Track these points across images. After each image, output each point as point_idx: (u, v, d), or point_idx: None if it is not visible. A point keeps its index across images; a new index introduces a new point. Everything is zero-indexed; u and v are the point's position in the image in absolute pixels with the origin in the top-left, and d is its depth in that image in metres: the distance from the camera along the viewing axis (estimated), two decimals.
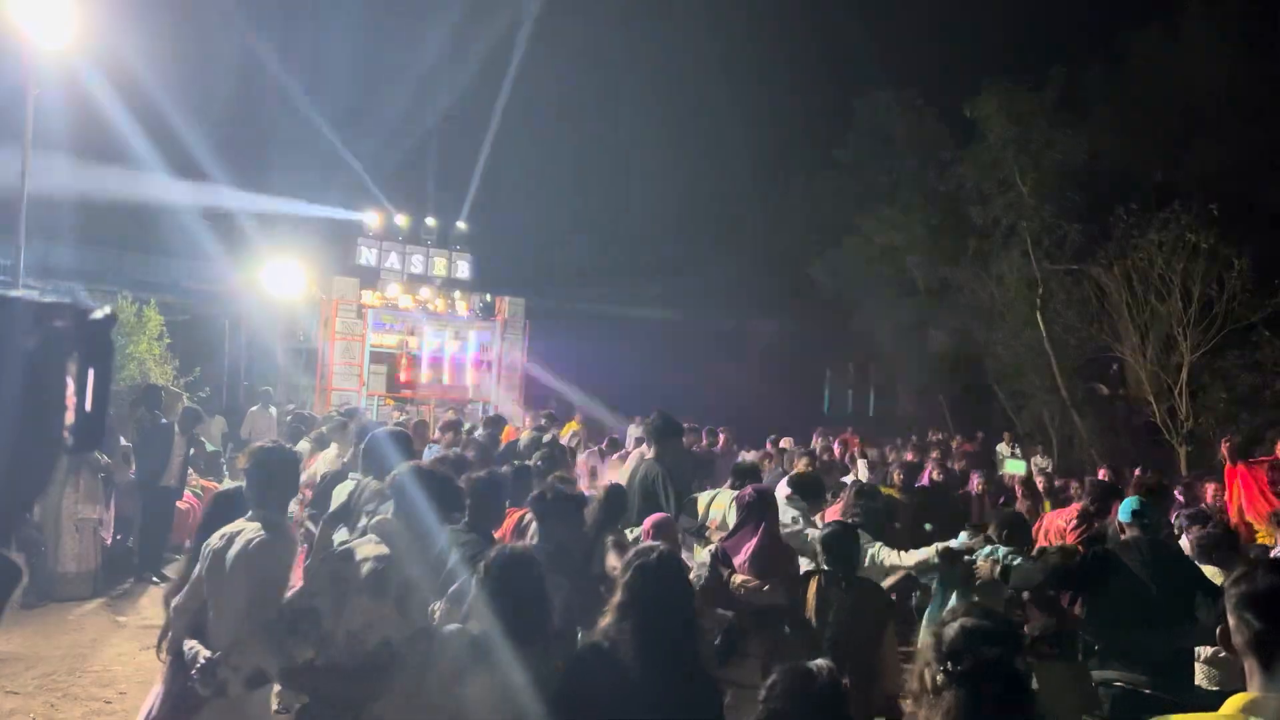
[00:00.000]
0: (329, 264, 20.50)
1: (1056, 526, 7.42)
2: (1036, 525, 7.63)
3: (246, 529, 3.85)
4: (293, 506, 8.59)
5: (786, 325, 27.74)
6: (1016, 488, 11.40)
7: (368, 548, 3.62)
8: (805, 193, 28.05)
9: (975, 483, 11.45)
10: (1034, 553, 5.81)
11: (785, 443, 13.14)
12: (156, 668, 7.18)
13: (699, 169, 28.49)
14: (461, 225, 22.31)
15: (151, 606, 9.10)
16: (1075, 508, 7.54)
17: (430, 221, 21.86)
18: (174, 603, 4.25)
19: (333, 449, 8.41)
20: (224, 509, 4.33)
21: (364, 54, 22.52)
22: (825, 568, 4.84)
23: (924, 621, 6.00)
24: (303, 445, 9.33)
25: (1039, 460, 16.12)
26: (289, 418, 12.05)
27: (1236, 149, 19.32)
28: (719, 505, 6.27)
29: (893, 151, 25.88)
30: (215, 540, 3.90)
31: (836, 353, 28.41)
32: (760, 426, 15.13)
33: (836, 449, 13.39)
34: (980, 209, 21.41)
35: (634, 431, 17.07)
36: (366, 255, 20.82)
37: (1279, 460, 8.96)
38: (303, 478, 8.85)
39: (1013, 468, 14.07)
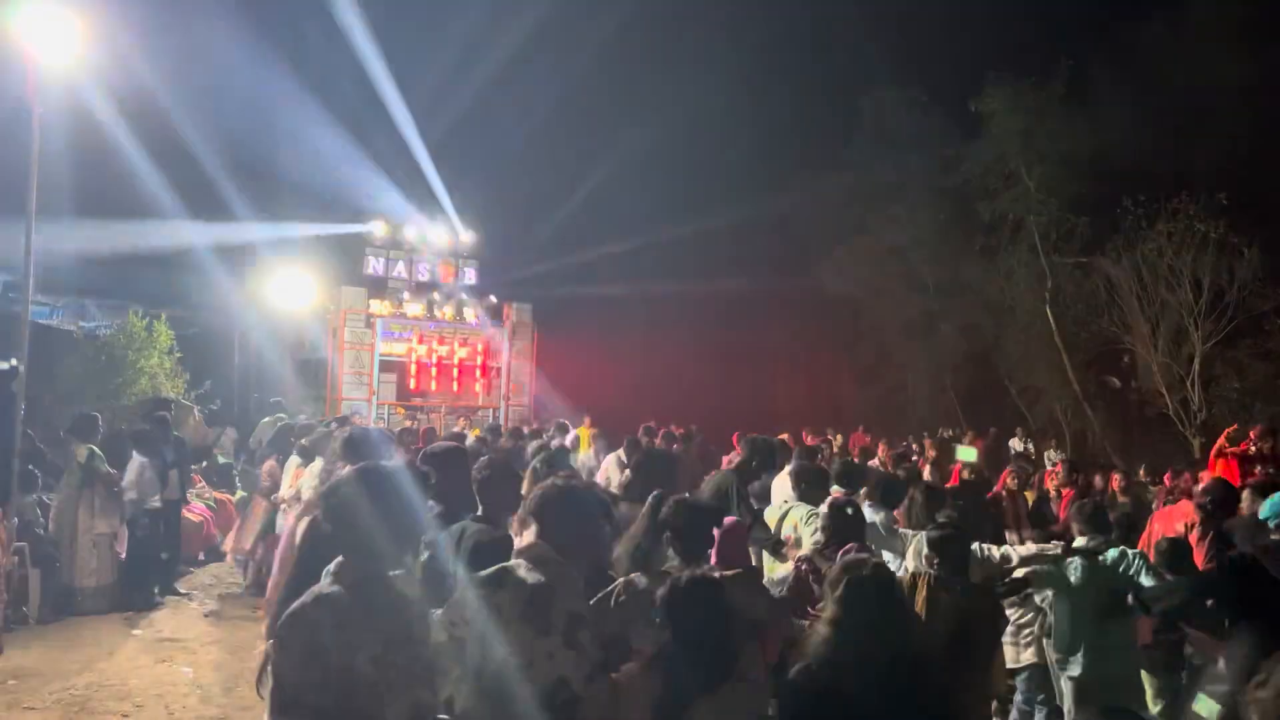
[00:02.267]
0: (337, 274, 20.53)
1: (1175, 530, 6.69)
2: (1145, 532, 7.13)
3: None
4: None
5: (794, 325, 27.68)
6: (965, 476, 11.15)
7: (520, 573, 3.19)
8: (813, 192, 27.99)
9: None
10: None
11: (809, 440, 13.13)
12: (171, 681, 7.23)
13: (706, 171, 28.48)
14: (469, 234, 22.33)
15: (167, 620, 9.12)
16: (1187, 506, 7.01)
17: (438, 230, 21.90)
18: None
19: (318, 463, 8.03)
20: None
21: (370, 62, 22.51)
22: (935, 571, 4.69)
23: (1051, 642, 5.56)
24: (293, 459, 9.25)
25: (1052, 454, 16.06)
26: (278, 428, 11.81)
27: (1244, 138, 19.23)
28: (791, 520, 6.14)
29: (899, 149, 25.82)
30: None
31: (847, 351, 28.30)
32: (769, 427, 15.08)
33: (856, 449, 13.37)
34: (988, 204, 21.35)
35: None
36: (374, 264, 20.86)
37: (1248, 453, 8.97)
38: (289, 492, 8.85)
39: (963, 455, 13.77)
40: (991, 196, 21.29)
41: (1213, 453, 9.47)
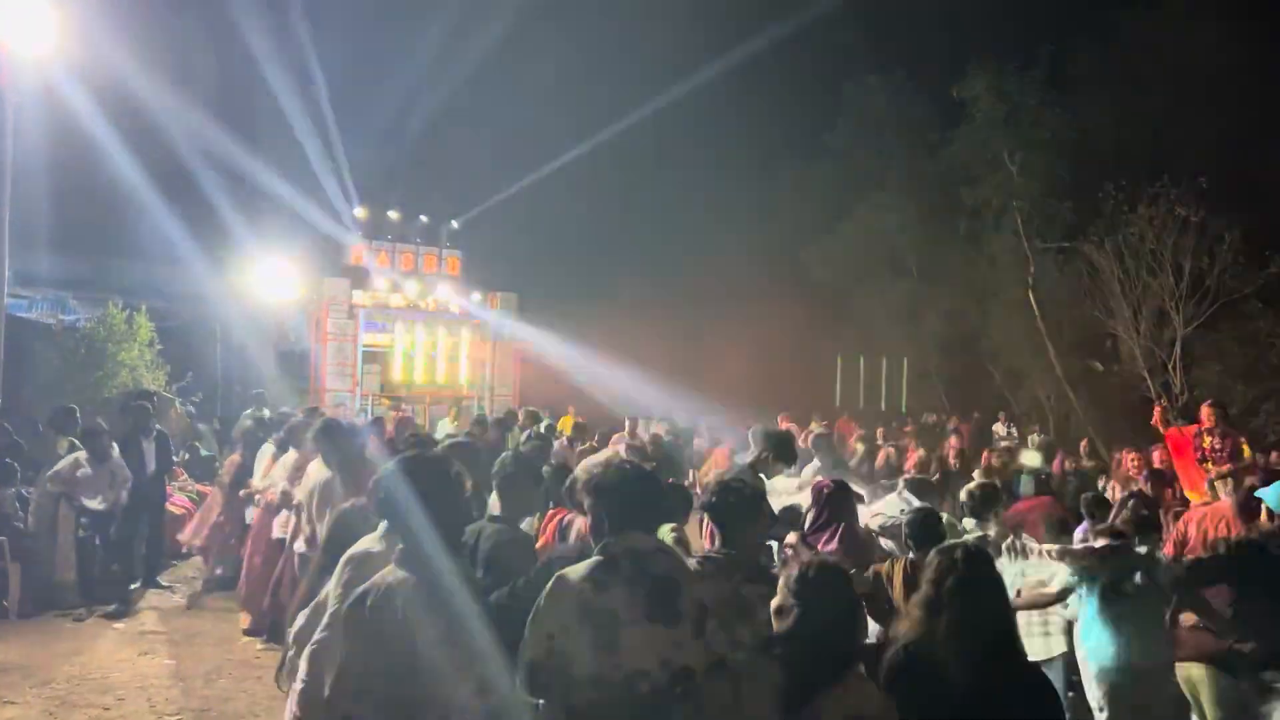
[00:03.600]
0: (319, 265, 20.45)
1: (1217, 532, 6.38)
2: (1180, 525, 6.94)
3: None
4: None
5: (779, 313, 27.70)
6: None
7: (623, 568, 3.06)
8: (796, 179, 27.99)
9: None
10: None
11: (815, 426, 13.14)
12: (154, 674, 7.19)
13: (688, 158, 28.39)
14: (453, 224, 22.28)
15: (149, 613, 9.07)
16: (1224, 507, 6.69)
17: (421, 219, 21.84)
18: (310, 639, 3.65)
19: (292, 454, 8.11)
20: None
21: (352, 51, 22.38)
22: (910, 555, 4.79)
23: (1079, 633, 5.48)
24: (266, 448, 9.16)
25: (1035, 438, 16.14)
26: (248, 423, 11.37)
27: (1224, 123, 19.30)
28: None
29: (882, 135, 25.83)
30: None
31: (830, 338, 28.35)
32: (757, 414, 15.08)
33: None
34: (970, 190, 21.39)
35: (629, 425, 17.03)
36: (356, 255, 20.80)
37: (1202, 428, 9.11)
38: (261, 482, 8.77)
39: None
40: (974, 182, 21.31)
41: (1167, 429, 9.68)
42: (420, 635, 2.75)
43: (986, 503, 5.90)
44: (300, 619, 3.81)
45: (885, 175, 25.16)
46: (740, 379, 22.41)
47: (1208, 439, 8.90)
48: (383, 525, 3.47)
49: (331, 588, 3.51)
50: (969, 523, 5.76)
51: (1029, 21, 23.15)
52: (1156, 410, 10.87)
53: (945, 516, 5.86)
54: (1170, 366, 17.83)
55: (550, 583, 3.05)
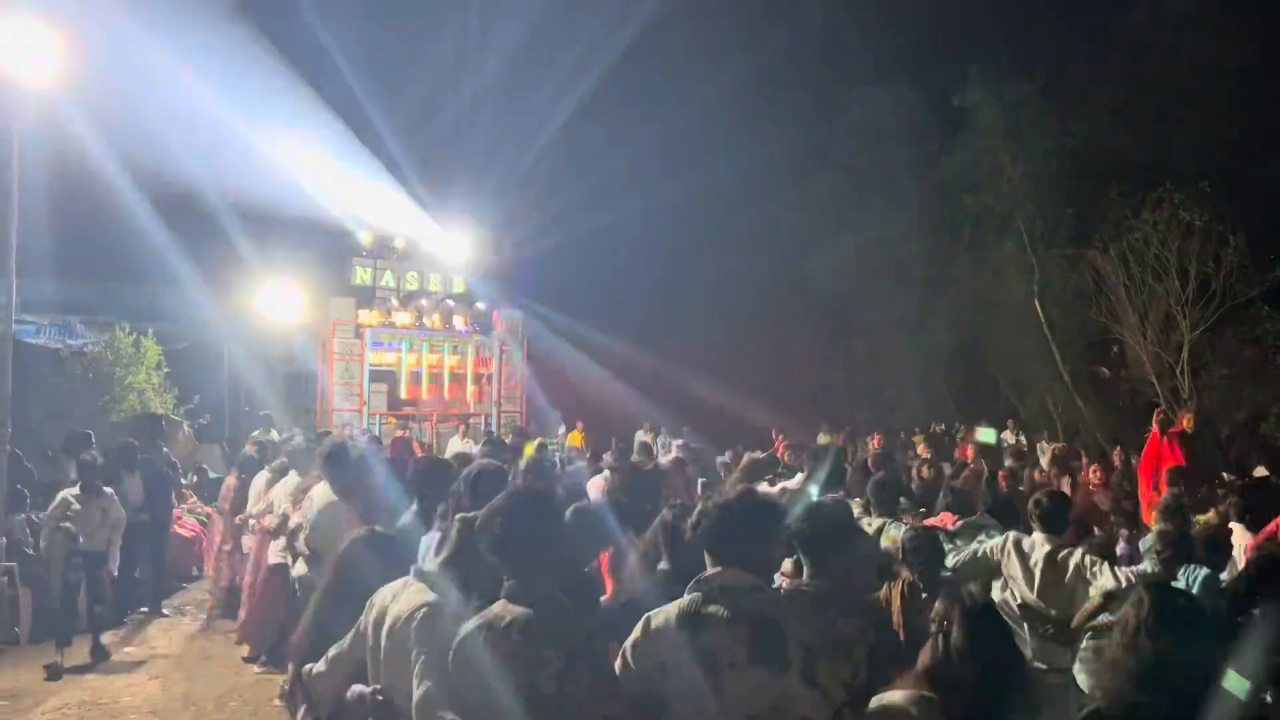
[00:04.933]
0: (324, 285, 20.48)
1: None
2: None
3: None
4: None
5: (784, 322, 27.71)
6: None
7: (723, 606, 2.87)
8: (798, 190, 28.03)
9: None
10: None
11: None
12: (164, 698, 7.19)
13: (693, 168, 28.41)
14: (457, 242, 22.31)
15: (160, 637, 9.07)
16: None
17: (426, 238, 21.89)
18: (317, 670, 3.45)
19: (293, 478, 7.93)
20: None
21: (357, 72, 22.46)
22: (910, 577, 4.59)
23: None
24: (261, 474, 9.02)
25: (1044, 445, 16.10)
26: (247, 446, 11.22)
27: (1227, 126, 19.30)
28: (891, 538, 5.53)
29: (884, 145, 25.86)
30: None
31: (836, 347, 28.35)
32: (759, 426, 15.09)
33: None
34: (973, 198, 21.39)
35: (640, 437, 17.06)
36: (362, 275, 20.84)
37: (1186, 432, 9.08)
38: (257, 506, 8.67)
39: (983, 436, 13.54)
40: (977, 190, 21.32)
41: (1158, 438, 9.62)
42: (535, 668, 2.71)
43: (1060, 512, 5.28)
44: (322, 665, 3.46)
45: (888, 185, 25.18)
46: (744, 388, 22.40)
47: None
48: (416, 570, 3.35)
49: (419, 659, 3.05)
50: (1038, 536, 5.14)
51: (1029, 29, 23.22)
52: (1157, 415, 10.79)
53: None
54: (1178, 371, 17.78)
55: (645, 620, 2.92)
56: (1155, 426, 10.12)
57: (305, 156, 19.96)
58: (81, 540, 8.39)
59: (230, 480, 10.26)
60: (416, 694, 2.91)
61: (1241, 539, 6.04)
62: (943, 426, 20.76)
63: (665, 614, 2.89)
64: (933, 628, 2.68)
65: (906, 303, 25.01)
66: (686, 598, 2.90)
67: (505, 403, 21.67)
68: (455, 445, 15.68)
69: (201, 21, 18.43)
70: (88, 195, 16.44)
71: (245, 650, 8.35)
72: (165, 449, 10.90)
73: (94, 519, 8.50)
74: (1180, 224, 17.16)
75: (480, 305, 22.16)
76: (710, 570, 2.96)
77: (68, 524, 8.37)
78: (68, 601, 8.44)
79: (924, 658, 2.67)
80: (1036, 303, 20.34)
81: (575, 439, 18.31)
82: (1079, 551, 4.96)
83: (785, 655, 2.78)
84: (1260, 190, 17.78)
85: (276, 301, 19.06)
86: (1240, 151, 18.68)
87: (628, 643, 2.92)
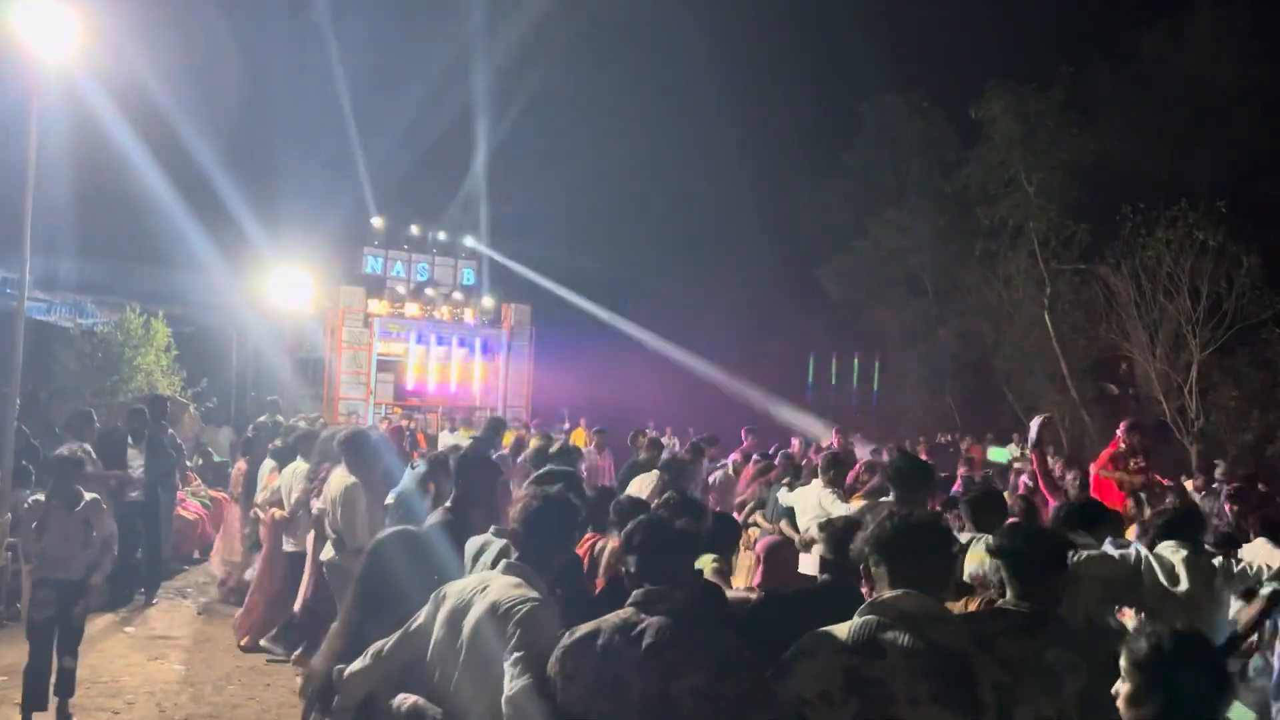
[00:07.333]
0: (335, 273, 20.54)
1: None
2: None
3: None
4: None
5: (794, 328, 27.70)
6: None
7: (903, 633, 2.58)
8: (813, 197, 28.05)
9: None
10: None
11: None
12: (164, 679, 7.20)
13: (706, 174, 28.46)
14: (468, 235, 22.36)
15: (160, 617, 9.10)
16: None
17: (440, 233, 21.93)
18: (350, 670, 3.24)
19: (301, 464, 7.89)
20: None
21: (373, 61, 22.52)
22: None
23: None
24: (267, 462, 9.03)
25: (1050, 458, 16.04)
26: (250, 432, 11.19)
27: (1244, 146, 19.24)
28: (977, 556, 4.67)
29: (900, 154, 25.88)
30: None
31: (845, 355, 28.36)
32: (768, 430, 15.07)
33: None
34: (987, 209, 21.37)
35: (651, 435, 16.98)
36: (372, 264, 20.89)
37: (1118, 451, 8.74)
38: (262, 495, 8.73)
39: (995, 456, 13.47)
40: (991, 202, 21.29)
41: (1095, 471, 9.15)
42: (668, 678, 2.58)
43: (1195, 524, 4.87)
44: (361, 663, 3.24)
45: (902, 194, 25.21)
46: (753, 393, 22.40)
47: (1130, 459, 8.59)
48: (507, 564, 3.20)
49: (516, 652, 2.90)
50: (1168, 545, 4.61)
51: (1048, 42, 23.21)
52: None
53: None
54: (1186, 391, 17.73)
55: (807, 639, 2.67)
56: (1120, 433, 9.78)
57: (320, 141, 20.02)
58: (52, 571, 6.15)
59: (240, 465, 10.28)
60: (515, 685, 2.76)
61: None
62: (949, 437, 20.73)
63: (836, 632, 2.64)
64: (1136, 676, 2.41)
65: (917, 312, 25.00)
66: (858, 619, 2.63)
67: (511, 395, 21.70)
68: (445, 438, 15.62)
69: (225, 4, 18.53)
70: (105, 175, 16.50)
71: (244, 638, 8.37)
72: (170, 430, 10.89)
73: (72, 538, 6.18)
74: (1194, 243, 17.12)
75: (489, 299, 22.19)
76: (888, 593, 2.66)
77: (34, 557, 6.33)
78: (39, 656, 6.17)
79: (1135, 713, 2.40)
80: (1047, 316, 20.31)
81: (579, 437, 18.29)
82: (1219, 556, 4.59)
83: (976, 699, 2.49)
84: (1275, 212, 17.74)
85: (287, 288, 19.09)
86: (1257, 172, 18.64)
87: (785, 658, 2.68)
